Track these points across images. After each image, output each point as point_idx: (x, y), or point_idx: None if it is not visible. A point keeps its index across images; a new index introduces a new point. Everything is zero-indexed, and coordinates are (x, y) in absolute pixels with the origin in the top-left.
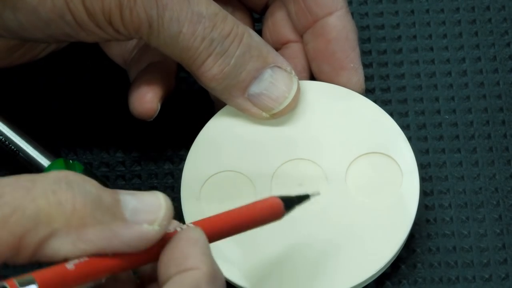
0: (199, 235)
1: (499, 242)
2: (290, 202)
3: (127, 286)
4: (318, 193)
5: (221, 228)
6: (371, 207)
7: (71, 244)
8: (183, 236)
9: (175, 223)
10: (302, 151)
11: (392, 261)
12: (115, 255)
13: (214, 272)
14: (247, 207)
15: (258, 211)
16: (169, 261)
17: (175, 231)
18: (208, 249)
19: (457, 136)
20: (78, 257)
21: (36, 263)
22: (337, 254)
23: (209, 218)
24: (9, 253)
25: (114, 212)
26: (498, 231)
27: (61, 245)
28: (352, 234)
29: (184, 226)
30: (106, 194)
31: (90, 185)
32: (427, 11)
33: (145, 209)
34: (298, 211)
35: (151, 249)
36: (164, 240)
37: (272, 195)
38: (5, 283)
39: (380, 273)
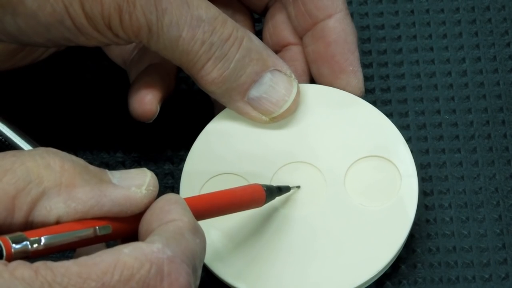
0: (178, 197)
1: (499, 242)
2: (271, 191)
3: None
4: (298, 187)
5: (204, 206)
6: (369, 210)
7: (63, 203)
8: (163, 197)
9: None
10: (301, 154)
11: (390, 263)
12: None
13: (196, 224)
14: (231, 189)
15: (241, 194)
16: (150, 217)
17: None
18: (188, 209)
19: (457, 136)
20: (70, 216)
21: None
22: (336, 257)
23: (193, 197)
24: (4, 213)
25: (102, 177)
26: (498, 231)
27: (53, 204)
28: (351, 236)
29: None
30: (92, 166)
31: (77, 158)
32: (427, 11)
33: (132, 176)
34: (298, 212)
35: (135, 220)
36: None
37: (256, 184)
38: None
39: (378, 276)
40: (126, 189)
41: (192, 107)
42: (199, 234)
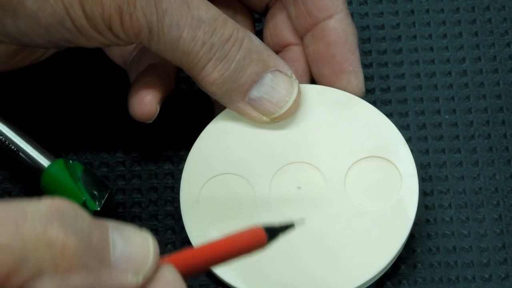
0: (176, 279)
1: (499, 242)
2: (274, 232)
3: None
4: (303, 221)
5: (204, 262)
6: (370, 211)
7: (55, 287)
8: (159, 278)
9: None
10: (302, 154)
11: (390, 264)
12: None
13: None
14: (229, 238)
15: (241, 242)
16: None
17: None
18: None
19: (457, 136)
20: None
21: None
22: (336, 257)
23: (191, 252)
24: None
25: (102, 257)
26: (498, 231)
27: (45, 287)
28: (351, 237)
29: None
30: (96, 233)
31: (82, 221)
32: (427, 11)
33: (133, 256)
34: (297, 214)
35: None
36: None
37: (256, 225)
38: None
39: (379, 276)
40: (122, 276)
41: (192, 107)
42: None
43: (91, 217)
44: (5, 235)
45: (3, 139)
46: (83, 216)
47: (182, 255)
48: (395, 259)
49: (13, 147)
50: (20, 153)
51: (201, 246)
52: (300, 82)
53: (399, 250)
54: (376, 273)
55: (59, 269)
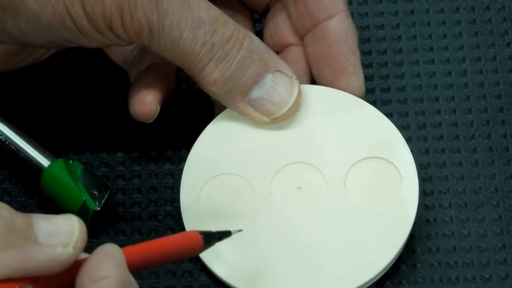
0: (114, 248)
1: (499, 242)
2: (210, 238)
3: None
4: (240, 230)
5: (139, 257)
6: (370, 211)
7: None
8: (98, 250)
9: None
10: (302, 154)
11: (390, 264)
12: (31, 279)
13: (127, 279)
14: (168, 239)
15: (178, 245)
16: (82, 273)
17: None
18: (123, 261)
19: (457, 136)
20: None
21: None
22: (336, 257)
23: (129, 247)
24: None
25: (27, 236)
26: (498, 231)
27: None
28: (351, 237)
29: None
30: (19, 218)
31: (2, 209)
32: (427, 11)
33: (59, 231)
34: (297, 214)
35: (67, 273)
36: (78, 265)
37: (193, 230)
38: None
39: (379, 276)
40: (52, 249)
41: (192, 107)
42: None
43: (11, 208)
44: None
45: (3, 139)
46: (3, 206)
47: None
48: (395, 259)
49: (13, 147)
50: (20, 153)
51: (139, 244)
52: (301, 82)
53: (399, 250)
54: (376, 273)
55: None
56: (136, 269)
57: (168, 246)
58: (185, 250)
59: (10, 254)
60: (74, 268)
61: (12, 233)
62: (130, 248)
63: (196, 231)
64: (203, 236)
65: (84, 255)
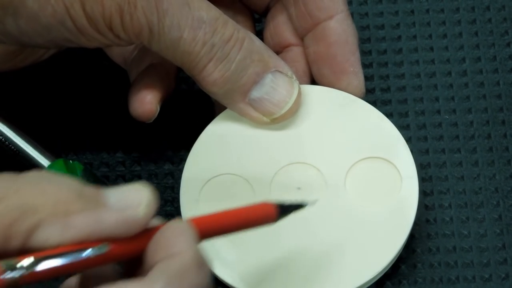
0: (186, 226)
1: (499, 242)
2: (285, 209)
3: (111, 278)
4: (315, 201)
5: (214, 227)
6: (370, 212)
7: (59, 232)
8: (169, 226)
9: (160, 220)
10: (302, 155)
11: (390, 265)
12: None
13: (201, 258)
14: (242, 209)
15: (251, 214)
16: (155, 248)
17: (161, 225)
18: (195, 239)
19: (457, 136)
20: (67, 244)
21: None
22: (336, 258)
23: (203, 217)
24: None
25: (97, 201)
26: (498, 231)
27: (49, 234)
28: (351, 238)
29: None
30: (88, 187)
31: (71, 180)
32: (427, 11)
33: (128, 196)
34: (298, 214)
35: (137, 240)
36: (150, 233)
37: (268, 200)
38: None
39: (379, 277)
40: (122, 212)
41: (192, 107)
42: (204, 267)
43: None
44: (1, 189)
45: (3, 139)
46: (71, 178)
47: (195, 219)
48: (395, 259)
49: (13, 147)
50: (20, 153)
51: (212, 214)
52: (301, 82)
53: (399, 251)
54: (376, 274)
55: (58, 214)
56: (208, 239)
57: (244, 217)
58: (259, 221)
59: (82, 218)
60: (145, 235)
61: (82, 199)
62: (201, 219)
63: (271, 201)
64: (277, 207)
65: (153, 223)
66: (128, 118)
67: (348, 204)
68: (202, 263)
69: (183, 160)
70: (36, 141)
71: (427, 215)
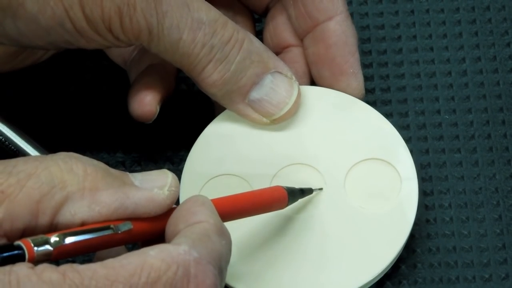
0: (206, 199)
1: (499, 242)
2: (294, 194)
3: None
4: (321, 189)
5: (230, 208)
6: (369, 213)
7: (87, 207)
8: (189, 199)
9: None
10: (301, 156)
11: (390, 265)
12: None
13: (222, 226)
14: (256, 191)
15: (265, 196)
16: (177, 218)
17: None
18: (215, 210)
19: (457, 136)
20: (94, 220)
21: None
22: (336, 259)
23: (219, 198)
24: (28, 217)
25: (124, 180)
26: (498, 231)
27: (77, 209)
28: (350, 239)
29: None
30: (114, 169)
31: (98, 162)
32: (427, 11)
33: (153, 178)
34: (298, 214)
35: (158, 220)
36: (169, 214)
37: (278, 185)
38: (21, 243)
39: (379, 278)
40: (148, 191)
41: (192, 108)
42: (225, 236)
43: None
44: (30, 167)
45: (3, 139)
46: (100, 162)
47: (212, 200)
48: (395, 261)
49: (13, 147)
50: (20, 153)
51: (228, 196)
52: (300, 83)
53: (398, 253)
54: (375, 275)
55: (86, 189)
56: (224, 220)
57: (256, 198)
58: (272, 202)
59: (109, 194)
60: (165, 216)
61: (110, 177)
62: (218, 200)
63: (281, 186)
64: (287, 191)
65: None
66: (128, 118)
67: (347, 205)
68: (223, 232)
69: (183, 160)
70: (36, 141)
71: (427, 215)
